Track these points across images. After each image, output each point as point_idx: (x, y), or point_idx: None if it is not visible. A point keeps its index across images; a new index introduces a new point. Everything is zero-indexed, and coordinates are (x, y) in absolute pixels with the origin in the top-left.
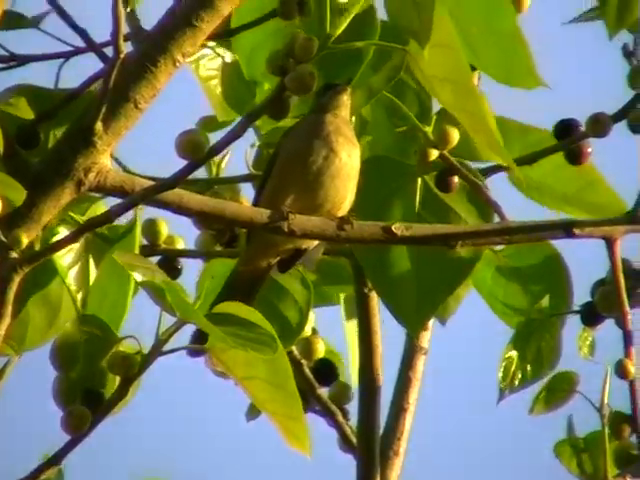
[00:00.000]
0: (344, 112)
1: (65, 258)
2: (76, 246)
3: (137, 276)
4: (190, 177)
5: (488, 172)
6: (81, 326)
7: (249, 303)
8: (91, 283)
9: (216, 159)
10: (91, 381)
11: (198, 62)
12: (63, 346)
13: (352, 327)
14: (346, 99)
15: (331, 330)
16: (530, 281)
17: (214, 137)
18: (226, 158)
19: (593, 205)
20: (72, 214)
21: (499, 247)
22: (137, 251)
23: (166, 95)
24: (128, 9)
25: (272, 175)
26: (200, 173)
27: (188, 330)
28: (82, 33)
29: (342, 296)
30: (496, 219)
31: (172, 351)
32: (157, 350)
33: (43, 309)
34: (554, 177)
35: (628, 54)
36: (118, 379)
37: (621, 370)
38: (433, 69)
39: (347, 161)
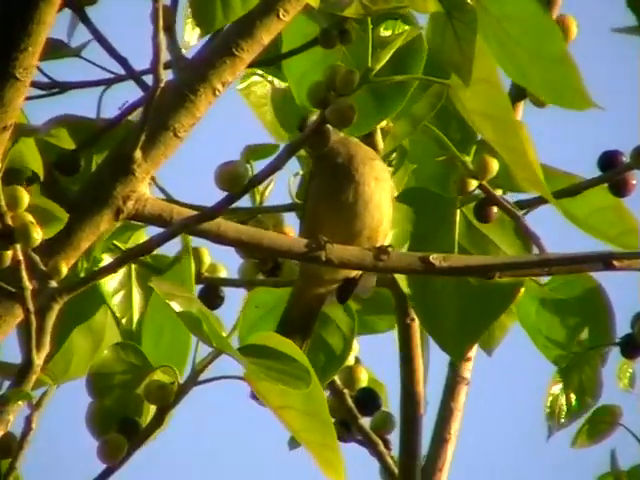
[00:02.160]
0: (345, 137)
1: (109, 284)
2: (120, 273)
3: (175, 306)
4: (233, 206)
5: (530, 205)
6: (119, 354)
7: (306, 337)
8: (134, 310)
9: (260, 188)
10: (126, 409)
11: (249, 89)
12: (99, 373)
13: None
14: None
15: (375, 359)
16: (571, 314)
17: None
18: (270, 187)
19: (633, 249)
20: (116, 242)
21: (544, 280)
22: (193, 281)
23: (210, 122)
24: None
25: (307, 213)
26: (243, 202)
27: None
28: (122, 61)
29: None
30: (535, 250)
31: (208, 381)
32: (193, 380)
33: (87, 338)
34: (596, 218)
35: None
36: (153, 408)
37: None
38: (474, 104)
39: (375, 186)
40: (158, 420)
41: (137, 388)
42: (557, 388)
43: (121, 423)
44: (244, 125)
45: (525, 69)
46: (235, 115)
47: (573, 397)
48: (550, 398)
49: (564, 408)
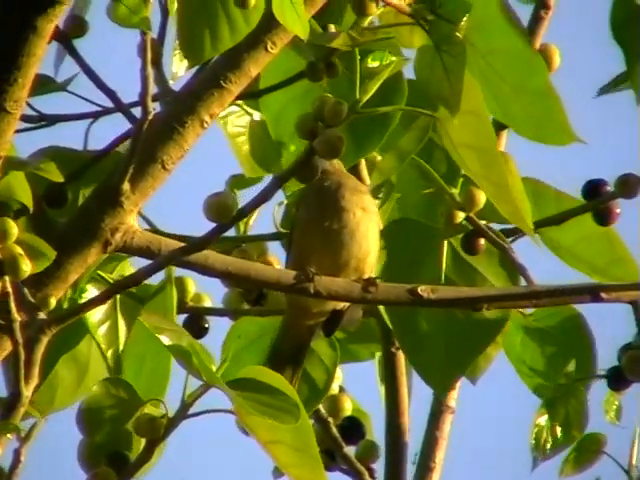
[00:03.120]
0: (334, 167)
1: (94, 315)
2: (105, 304)
3: (164, 339)
4: None
5: (515, 234)
6: (108, 389)
7: (297, 369)
8: (120, 341)
9: None
10: (116, 443)
11: (226, 119)
12: (89, 410)
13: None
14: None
15: (359, 388)
16: (553, 343)
17: (244, 193)
18: (254, 216)
19: (619, 280)
20: (100, 272)
21: (529, 310)
22: (174, 311)
23: (195, 152)
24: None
25: (294, 242)
26: (228, 231)
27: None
28: (111, 94)
29: (377, 355)
30: (522, 281)
31: (198, 414)
32: (183, 413)
33: (72, 369)
34: (584, 246)
35: None
36: (143, 441)
37: None
38: (461, 136)
39: (362, 215)
40: (147, 453)
41: (127, 422)
42: (543, 419)
43: (110, 456)
44: (227, 155)
45: (508, 104)
46: (218, 145)
47: (559, 429)
48: (536, 429)
49: (550, 440)
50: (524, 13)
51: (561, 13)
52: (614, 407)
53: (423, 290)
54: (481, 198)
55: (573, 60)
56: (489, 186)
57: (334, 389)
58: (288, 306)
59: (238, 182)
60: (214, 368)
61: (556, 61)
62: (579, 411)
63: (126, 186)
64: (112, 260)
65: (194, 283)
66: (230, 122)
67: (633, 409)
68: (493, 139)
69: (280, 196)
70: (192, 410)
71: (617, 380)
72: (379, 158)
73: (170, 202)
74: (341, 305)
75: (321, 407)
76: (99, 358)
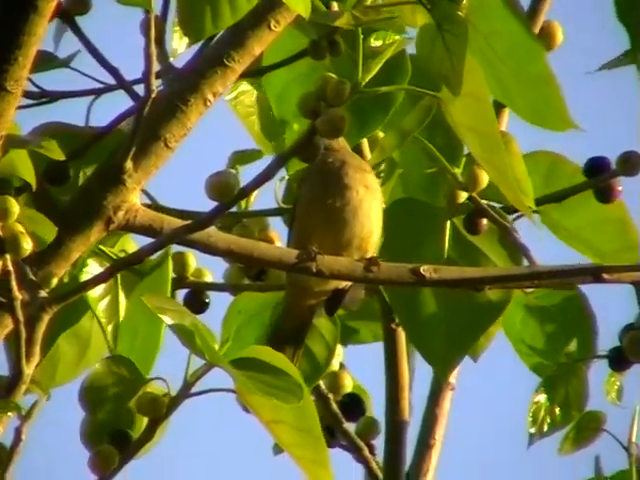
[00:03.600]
0: (338, 145)
1: (95, 291)
2: None
3: (167, 319)
4: None
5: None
6: (110, 367)
7: (298, 348)
8: (121, 315)
9: None
10: (118, 422)
11: (237, 99)
12: (92, 387)
13: None
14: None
15: (359, 366)
16: (553, 321)
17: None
18: (255, 192)
19: (625, 261)
20: (102, 247)
21: (530, 290)
22: (169, 287)
23: (197, 130)
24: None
25: (296, 220)
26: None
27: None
28: (113, 71)
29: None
30: (525, 262)
31: (200, 393)
32: (185, 392)
33: (74, 344)
34: (592, 232)
35: None
36: (146, 420)
37: None
38: (462, 118)
39: (365, 193)
40: (150, 432)
41: (129, 401)
42: (541, 397)
43: (113, 435)
44: (232, 132)
45: (508, 87)
46: (223, 122)
47: (558, 409)
48: (534, 407)
49: (548, 419)
50: None
51: None
52: (615, 387)
53: (425, 270)
54: (484, 178)
55: (576, 38)
56: (490, 169)
57: (334, 365)
58: (289, 286)
59: (240, 158)
60: (216, 347)
61: (558, 38)
62: (579, 391)
63: (129, 164)
64: (114, 235)
65: (195, 258)
66: (241, 102)
67: (634, 390)
68: (494, 123)
69: (282, 171)
70: (194, 389)
71: (618, 361)
72: (381, 135)
73: (173, 180)
74: (343, 284)
75: (321, 383)
76: (100, 333)
